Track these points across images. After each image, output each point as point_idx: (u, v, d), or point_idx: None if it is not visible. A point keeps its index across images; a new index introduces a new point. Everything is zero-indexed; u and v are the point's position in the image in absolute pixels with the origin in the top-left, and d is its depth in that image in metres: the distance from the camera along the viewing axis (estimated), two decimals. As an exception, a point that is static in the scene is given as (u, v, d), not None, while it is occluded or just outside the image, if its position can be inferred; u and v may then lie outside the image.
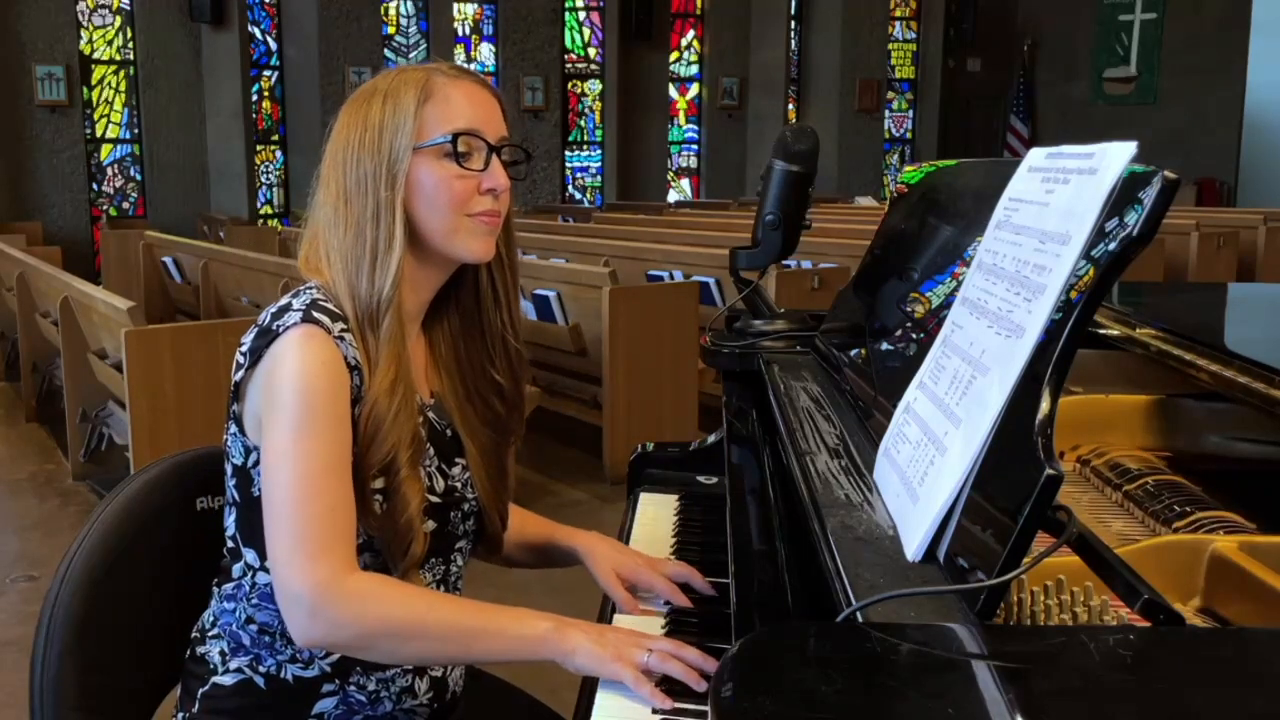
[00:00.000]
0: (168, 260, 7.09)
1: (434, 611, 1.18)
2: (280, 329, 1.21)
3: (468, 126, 1.27)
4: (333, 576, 1.15)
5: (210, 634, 1.31)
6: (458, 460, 1.36)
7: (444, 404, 1.37)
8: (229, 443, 1.28)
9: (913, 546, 0.93)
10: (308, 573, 1.15)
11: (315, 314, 1.22)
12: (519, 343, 1.40)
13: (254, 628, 1.28)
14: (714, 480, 1.83)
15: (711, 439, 1.90)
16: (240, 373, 1.24)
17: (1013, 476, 0.83)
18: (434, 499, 1.30)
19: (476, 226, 1.28)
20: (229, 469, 1.28)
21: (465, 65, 1.35)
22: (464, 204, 1.27)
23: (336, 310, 1.24)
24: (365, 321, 1.24)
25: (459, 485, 1.34)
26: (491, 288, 1.38)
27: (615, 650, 1.14)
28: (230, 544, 1.30)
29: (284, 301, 1.26)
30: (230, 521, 1.29)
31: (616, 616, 1.36)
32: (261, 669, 1.28)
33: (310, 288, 1.28)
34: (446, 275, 1.34)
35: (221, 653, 1.29)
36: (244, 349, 1.24)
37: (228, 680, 1.29)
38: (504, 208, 1.31)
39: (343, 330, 1.23)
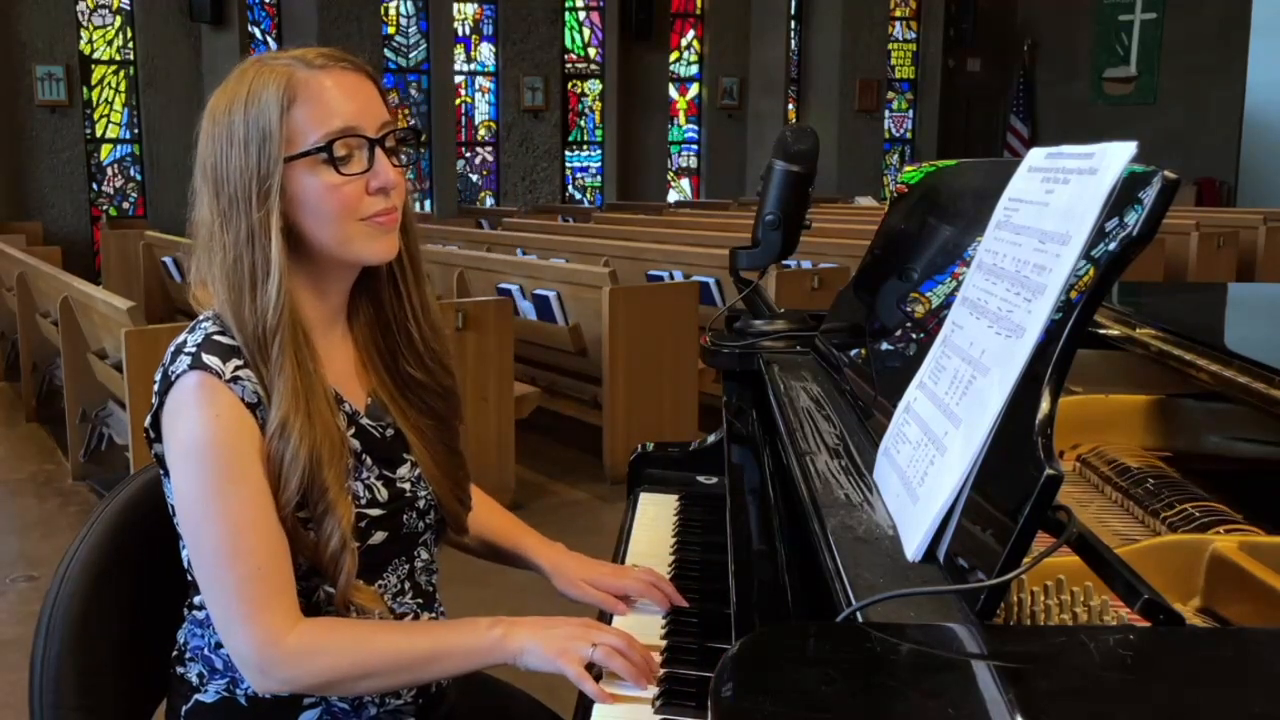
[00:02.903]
0: (168, 260, 7.09)
1: (379, 647, 1.18)
2: (174, 376, 1.17)
3: (343, 126, 1.17)
4: (270, 638, 1.15)
5: (186, 656, 1.30)
6: (405, 458, 1.31)
7: (381, 402, 1.31)
8: (163, 480, 1.25)
9: (913, 546, 0.93)
10: (246, 638, 1.16)
11: (206, 357, 1.16)
12: (426, 332, 1.32)
13: (225, 651, 1.24)
14: (714, 480, 1.83)
15: (711, 439, 1.90)
16: (149, 416, 1.21)
17: (1013, 476, 0.83)
18: (377, 511, 1.26)
19: (371, 229, 1.20)
20: (170, 506, 1.25)
21: (331, 48, 1.21)
22: (353, 210, 1.18)
23: (231, 342, 1.18)
24: (255, 352, 1.17)
25: (408, 486, 1.30)
26: (391, 281, 1.29)
27: (559, 646, 1.13)
28: (190, 575, 1.27)
29: (181, 338, 1.21)
30: (185, 555, 1.26)
31: (616, 619, 1.35)
32: (240, 690, 1.27)
33: (205, 319, 1.22)
34: (354, 275, 1.27)
35: (200, 674, 1.28)
36: (155, 388, 1.21)
37: (209, 699, 1.28)
38: (400, 200, 1.22)
39: (237, 368, 1.17)
